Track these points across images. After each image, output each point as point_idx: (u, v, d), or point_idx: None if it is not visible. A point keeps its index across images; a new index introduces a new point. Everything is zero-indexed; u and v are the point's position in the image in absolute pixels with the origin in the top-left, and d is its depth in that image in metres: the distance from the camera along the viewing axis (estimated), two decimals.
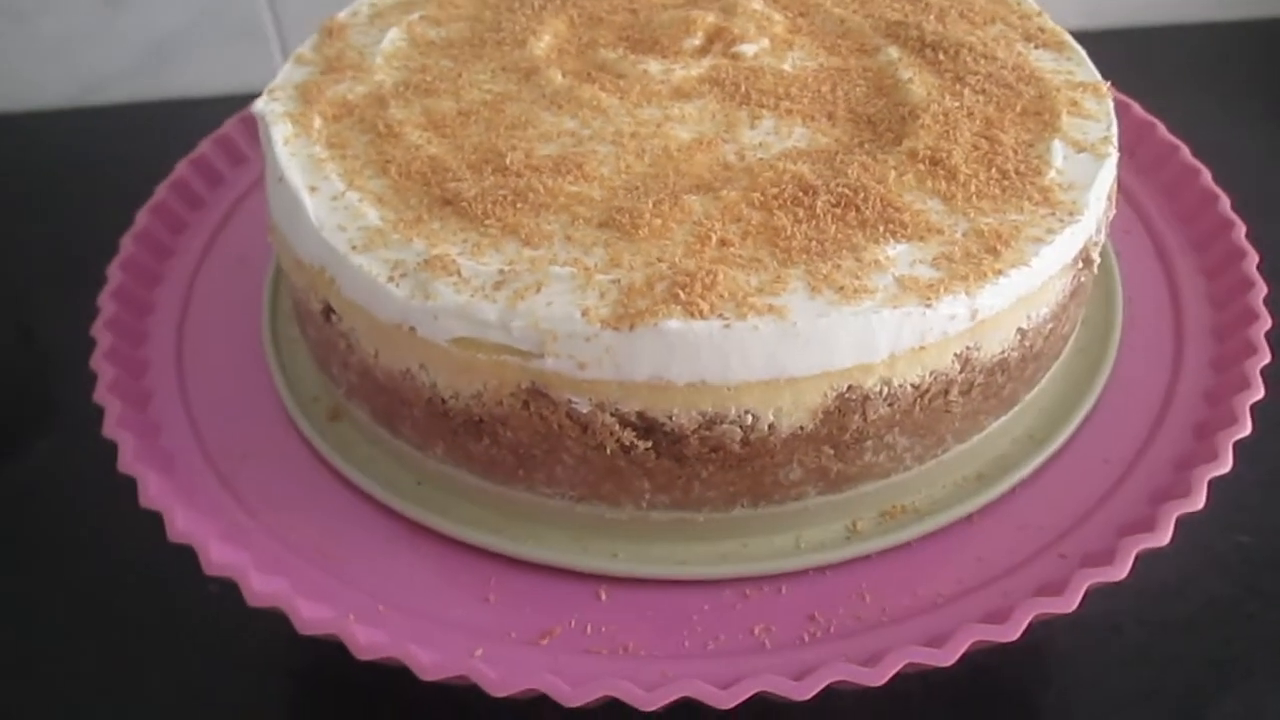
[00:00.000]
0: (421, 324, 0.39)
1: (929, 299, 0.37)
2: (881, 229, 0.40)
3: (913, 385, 0.39)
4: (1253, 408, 0.45)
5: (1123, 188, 0.57)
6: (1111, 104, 0.47)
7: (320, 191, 0.43)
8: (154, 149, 0.82)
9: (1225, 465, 0.42)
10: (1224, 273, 0.52)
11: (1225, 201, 0.54)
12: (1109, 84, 0.48)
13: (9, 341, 0.68)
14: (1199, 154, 0.58)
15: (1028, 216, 0.41)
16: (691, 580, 0.41)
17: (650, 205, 0.40)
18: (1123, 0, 0.92)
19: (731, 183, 0.42)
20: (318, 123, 0.47)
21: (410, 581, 0.42)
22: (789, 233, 0.39)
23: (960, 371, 0.40)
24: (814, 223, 0.40)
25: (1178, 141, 0.58)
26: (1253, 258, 0.51)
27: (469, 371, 0.39)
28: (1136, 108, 0.60)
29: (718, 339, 0.36)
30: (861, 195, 0.40)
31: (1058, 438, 0.45)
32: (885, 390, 0.39)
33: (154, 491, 0.42)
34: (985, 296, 0.38)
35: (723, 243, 0.39)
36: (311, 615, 0.38)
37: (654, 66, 0.49)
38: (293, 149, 0.45)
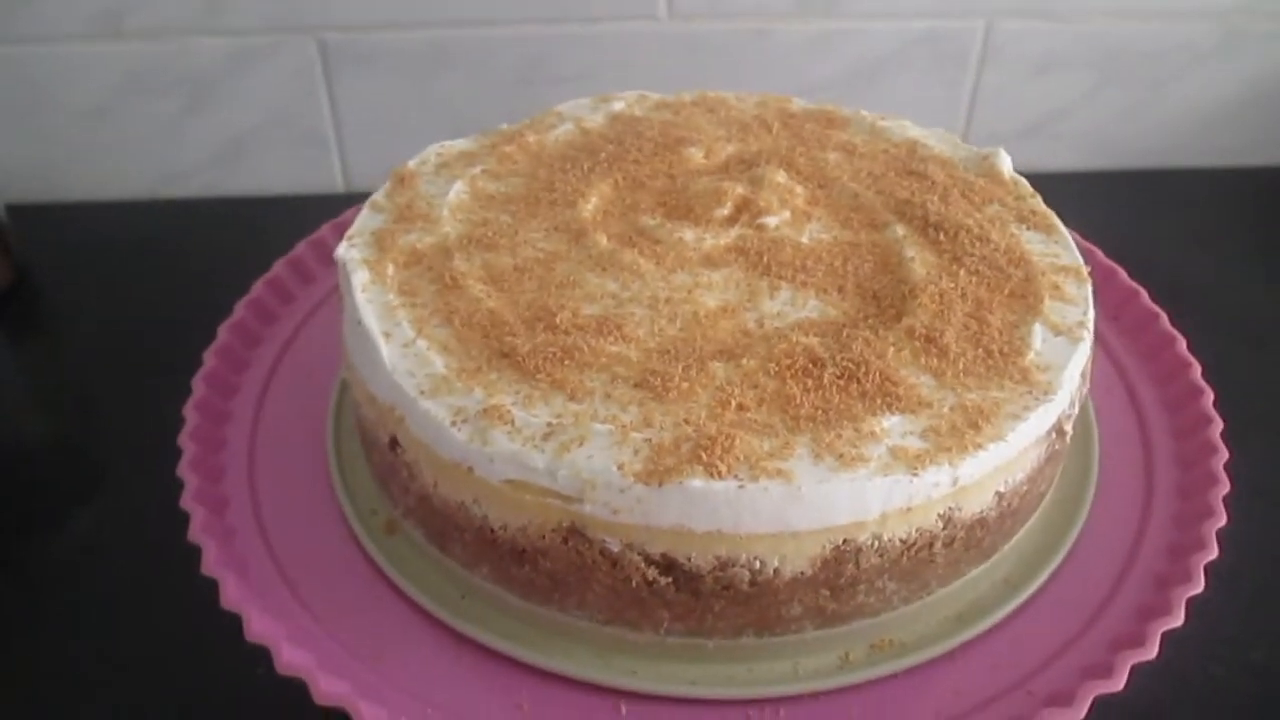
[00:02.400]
0: (478, 465, 0.45)
1: (915, 469, 0.43)
2: (879, 401, 0.46)
3: (901, 539, 0.45)
4: (1208, 565, 0.50)
5: (1106, 347, 0.64)
6: (1090, 290, 0.53)
7: (393, 338, 0.49)
8: (221, 242, 0.90)
9: (1178, 619, 0.48)
10: (1192, 435, 0.58)
11: (1197, 369, 0.60)
12: (1089, 268, 0.55)
13: (67, 419, 0.74)
14: (1184, 298, 0.64)
15: (1007, 394, 0.47)
16: (701, 699, 0.47)
17: (680, 370, 0.47)
18: (1121, 146, 1.00)
19: (751, 350, 0.48)
20: (390, 270, 0.54)
21: (454, 687, 0.47)
22: (798, 401, 0.45)
23: (943, 528, 0.46)
24: (821, 393, 0.46)
25: (1158, 309, 0.64)
26: (1217, 424, 0.57)
27: (517, 508, 0.45)
28: (1122, 274, 0.66)
29: (733, 497, 0.42)
30: (863, 369, 0.47)
31: (1031, 584, 0.51)
32: (876, 543, 0.44)
33: (233, 595, 0.48)
34: (966, 467, 0.44)
35: (740, 408, 0.45)
36: (373, 716, 0.44)
37: (688, 234, 0.55)
38: (369, 295, 0.52)
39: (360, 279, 0.53)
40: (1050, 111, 0.99)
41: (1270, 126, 1.00)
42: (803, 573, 0.44)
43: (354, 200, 0.75)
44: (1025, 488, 0.49)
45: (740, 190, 0.58)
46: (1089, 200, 0.60)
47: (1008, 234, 0.56)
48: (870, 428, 0.45)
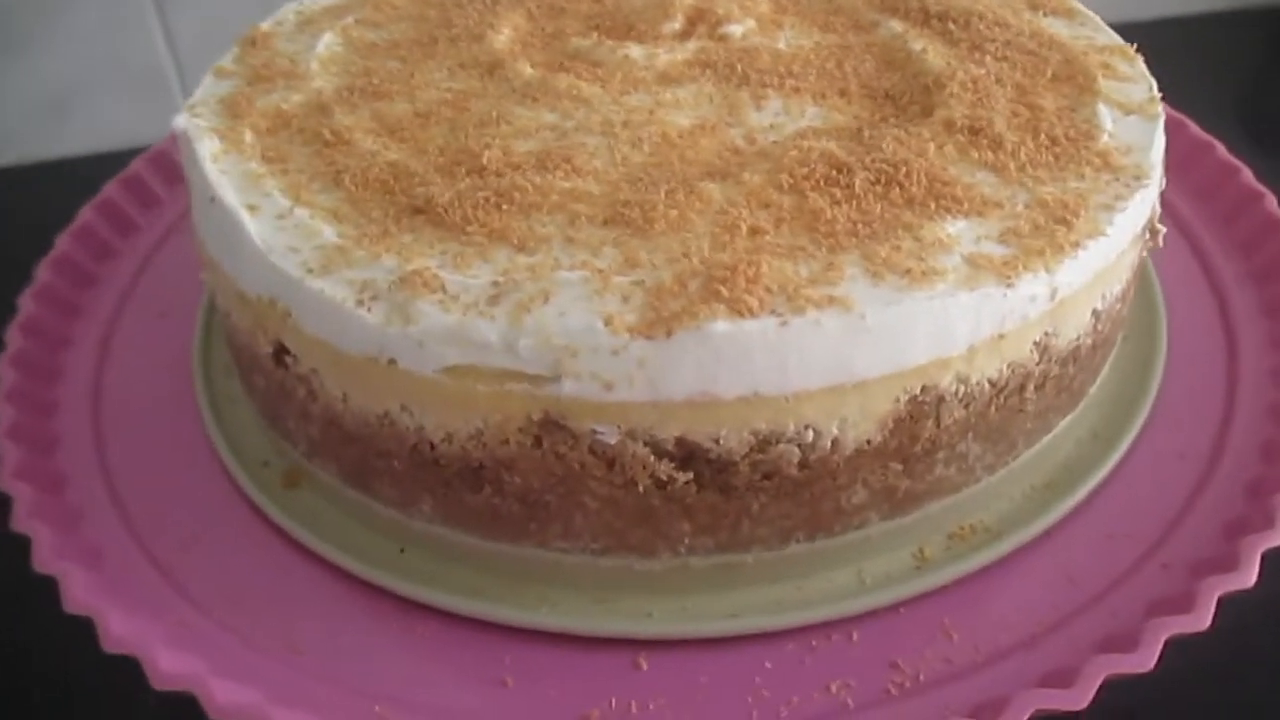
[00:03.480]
0: (403, 354, 0.32)
1: (1008, 277, 0.32)
2: (933, 206, 0.34)
3: (990, 381, 0.33)
4: None
5: None
6: (1143, 65, 0.43)
7: (262, 210, 0.36)
8: (58, 212, 0.74)
9: None
10: (1260, 247, 0.48)
11: (1271, 200, 0.49)
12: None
13: None
14: None
15: (1091, 183, 0.36)
16: (746, 635, 0.34)
17: (662, 195, 0.34)
18: None
19: (750, 167, 0.36)
20: (249, 137, 0.40)
21: (408, 670, 0.34)
22: (829, 215, 0.33)
23: (1038, 362, 0.34)
24: (855, 203, 0.34)
25: (1212, 139, 0.53)
26: None
27: (465, 406, 0.32)
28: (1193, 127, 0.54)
29: (773, 339, 0.30)
30: (903, 170, 0.35)
31: (1125, 435, 0.40)
32: (961, 390, 0.33)
33: (80, 593, 0.35)
34: (1065, 272, 0.33)
35: (754, 231, 0.33)
36: None
37: (635, 52, 0.43)
38: (223, 166, 0.38)
39: (209, 148, 0.39)
40: None
41: None
42: (869, 441, 0.33)
43: None
44: (1118, 306, 0.38)
45: (690, 0, 0.45)
46: None
47: (1025, 20, 0.45)
48: (934, 235, 0.33)
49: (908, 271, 0.31)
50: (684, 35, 0.44)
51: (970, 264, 0.32)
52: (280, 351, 0.36)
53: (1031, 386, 0.35)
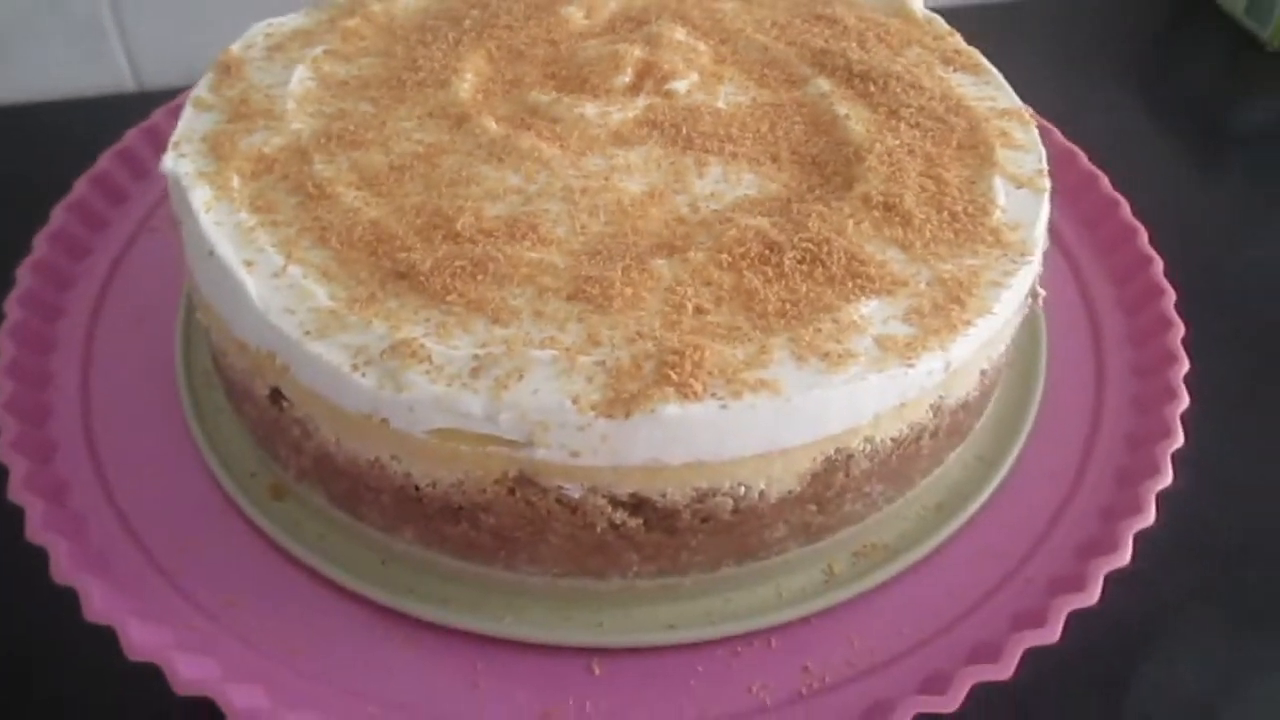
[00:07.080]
0: (394, 416, 0.37)
1: (909, 359, 0.38)
2: (850, 285, 0.40)
3: (892, 439, 0.40)
4: (1184, 415, 0.47)
5: None
6: (1036, 133, 0.48)
7: (258, 267, 0.40)
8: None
9: (1166, 479, 0.45)
10: (1133, 279, 0.54)
11: (1143, 235, 0.56)
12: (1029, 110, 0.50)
13: None
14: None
15: (983, 260, 0.42)
16: (682, 644, 0.41)
17: (619, 273, 0.39)
18: None
19: (694, 241, 0.41)
20: (236, 182, 0.44)
21: (393, 672, 0.40)
22: (762, 295, 0.39)
23: (933, 418, 0.41)
24: (784, 282, 0.40)
25: (1097, 171, 0.59)
26: (1158, 262, 0.54)
27: (449, 461, 0.37)
28: (1058, 134, 0.60)
29: (714, 420, 0.36)
30: (825, 249, 0.41)
31: (1005, 460, 0.47)
32: (868, 448, 0.39)
33: (99, 604, 0.39)
34: (957, 348, 0.39)
35: (698, 310, 0.39)
36: None
37: (589, 109, 0.47)
38: (217, 216, 0.42)
39: (201, 197, 0.43)
40: None
41: None
42: (790, 492, 0.39)
43: (151, 100, 0.63)
44: (1003, 360, 0.45)
45: (638, 53, 0.50)
46: None
47: (937, 78, 0.51)
48: (850, 317, 0.39)
49: (826, 355, 0.37)
50: (633, 89, 0.49)
51: (879, 346, 0.38)
52: (276, 394, 0.41)
53: (927, 436, 0.41)
